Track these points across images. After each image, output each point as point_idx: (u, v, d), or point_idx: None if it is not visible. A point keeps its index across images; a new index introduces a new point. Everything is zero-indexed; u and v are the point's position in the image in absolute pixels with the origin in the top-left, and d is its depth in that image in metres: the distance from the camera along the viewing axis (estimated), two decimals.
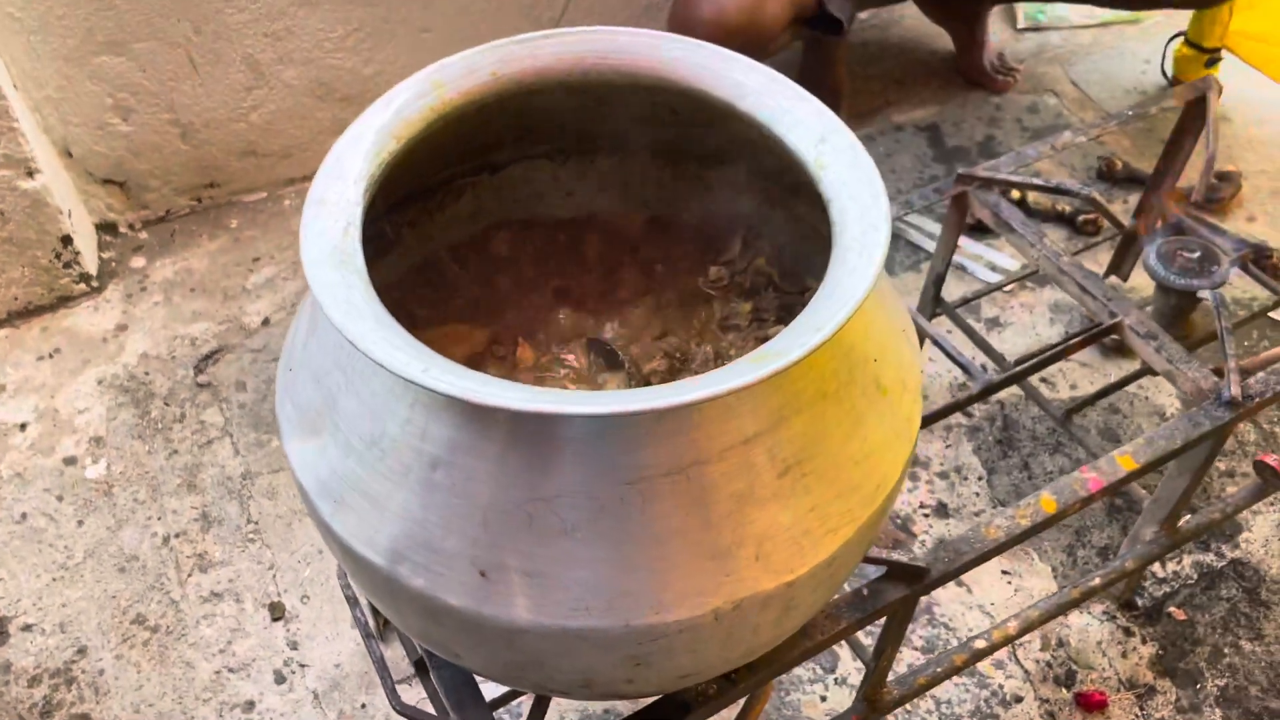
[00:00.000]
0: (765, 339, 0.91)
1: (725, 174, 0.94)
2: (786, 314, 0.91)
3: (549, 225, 0.97)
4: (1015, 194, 1.77)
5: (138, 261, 1.69)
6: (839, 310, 0.62)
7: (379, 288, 0.90)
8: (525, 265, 0.95)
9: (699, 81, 0.79)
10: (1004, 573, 1.33)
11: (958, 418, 1.50)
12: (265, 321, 1.61)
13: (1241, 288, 1.66)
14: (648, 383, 0.87)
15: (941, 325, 1.57)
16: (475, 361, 0.89)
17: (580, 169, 0.96)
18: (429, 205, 0.92)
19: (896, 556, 0.89)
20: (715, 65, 0.79)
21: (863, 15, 2.16)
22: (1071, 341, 1.11)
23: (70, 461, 1.44)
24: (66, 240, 1.56)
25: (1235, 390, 1.02)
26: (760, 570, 0.66)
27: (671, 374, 0.87)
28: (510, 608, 0.63)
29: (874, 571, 0.91)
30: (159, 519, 1.38)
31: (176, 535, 1.36)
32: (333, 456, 0.69)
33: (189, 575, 1.32)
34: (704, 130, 0.86)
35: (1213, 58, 1.95)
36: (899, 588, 0.90)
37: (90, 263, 1.64)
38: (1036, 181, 1.24)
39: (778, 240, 0.94)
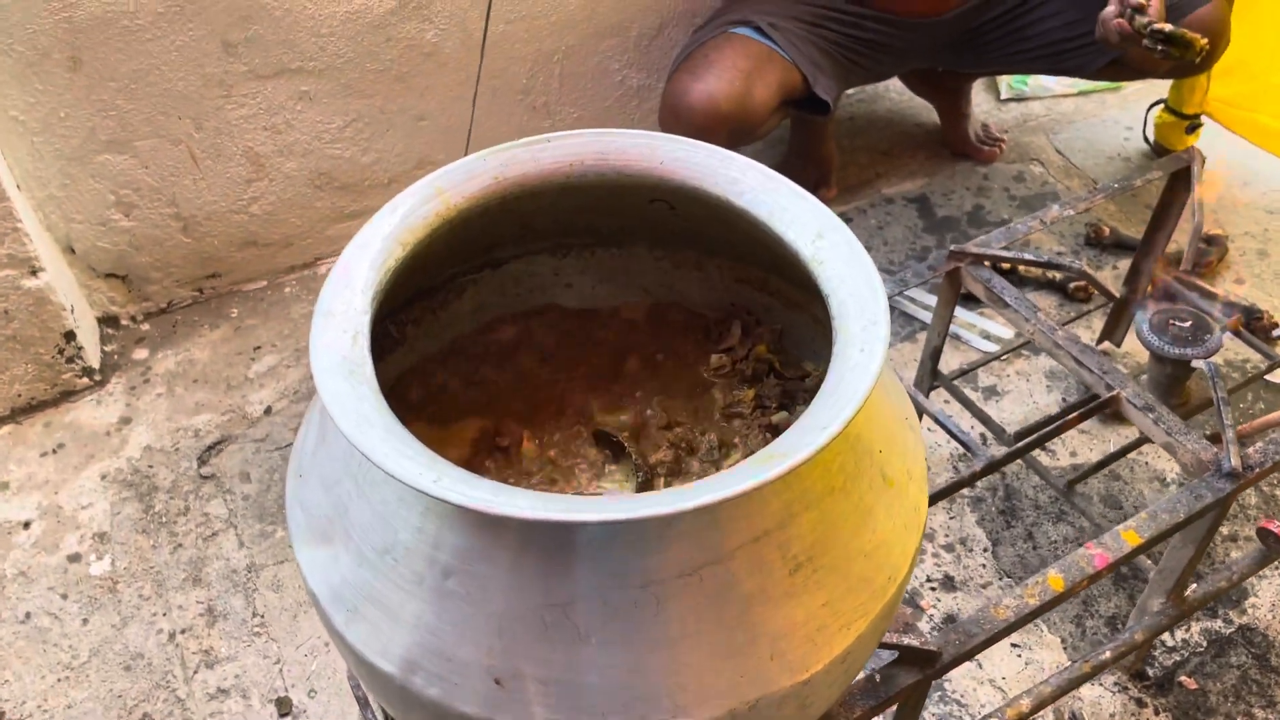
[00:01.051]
0: (769, 426, 0.92)
1: (724, 264, 0.95)
2: (788, 400, 0.92)
3: (551, 317, 0.99)
4: (1006, 263, 1.80)
5: (140, 353, 1.70)
6: (844, 407, 0.63)
7: (385, 384, 0.91)
8: (527, 357, 0.96)
9: (696, 180, 0.81)
10: (1014, 646, 1.32)
11: (966, 487, 1.50)
12: (268, 410, 1.61)
13: (1234, 349, 1.68)
14: (654, 473, 0.87)
15: (939, 397, 1.58)
16: (479, 455, 0.89)
17: (580, 262, 0.98)
18: (432, 303, 0.93)
19: (908, 641, 0.89)
20: (712, 164, 0.81)
21: (849, 91, 2.20)
22: (1070, 417, 1.12)
23: (74, 559, 1.43)
24: (69, 335, 1.57)
25: (1235, 461, 1.03)
26: (776, 669, 0.66)
27: (678, 464, 0.88)
28: (527, 716, 0.63)
29: (886, 655, 0.91)
30: (164, 615, 1.37)
31: (182, 631, 1.35)
32: (345, 565, 0.69)
33: (195, 672, 1.31)
34: (701, 224, 0.87)
35: (1193, 124, 1.99)
36: (911, 673, 0.90)
37: (93, 356, 1.65)
38: (1029, 256, 1.26)
39: (777, 327, 0.95)
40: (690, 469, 0.88)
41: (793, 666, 0.66)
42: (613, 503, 0.59)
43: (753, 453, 0.88)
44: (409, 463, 0.61)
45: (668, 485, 0.87)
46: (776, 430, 0.90)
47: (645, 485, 0.86)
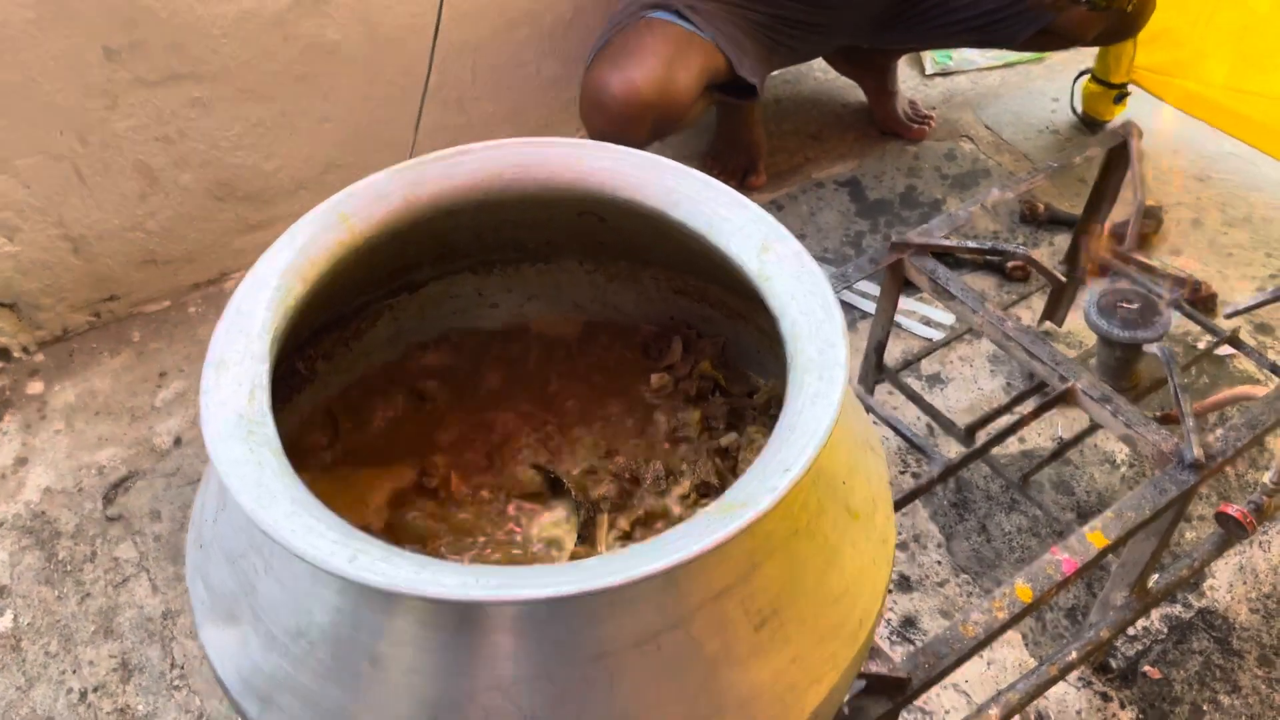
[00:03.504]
0: (719, 449, 0.86)
1: (660, 275, 0.89)
2: (737, 419, 0.86)
3: (476, 340, 0.91)
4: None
5: (35, 387, 1.58)
6: (808, 445, 0.57)
7: (294, 428, 0.83)
8: (452, 386, 0.89)
9: (628, 191, 0.74)
10: None
11: (909, 481, 1.45)
12: (178, 441, 1.51)
13: (1177, 323, 1.65)
14: (597, 509, 0.80)
15: (883, 389, 1.53)
16: (404, 499, 0.81)
17: (506, 279, 0.90)
18: (344, 334, 0.85)
19: (876, 669, 0.83)
20: (644, 173, 0.74)
21: (773, 74, 2.14)
22: (1026, 414, 1.08)
23: None
24: None
25: (1198, 452, 0.99)
26: None
27: (622, 498, 0.81)
28: None
29: (856, 685, 0.86)
30: (74, 672, 1.27)
31: (95, 689, 1.25)
32: (254, 649, 0.61)
33: None
34: (635, 235, 0.81)
35: (1121, 93, 1.97)
36: (881, 702, 0.85)
37: None
38: (972, 244, 1.21)
39: (719, 340, 0.89)
40: (637, 502, 0.81)
41: None
42: (556, 574, 0.52)
43: (702, 479, 0.83)
44: (320, 540, 0.53)
45: (612, 522, 0.80)
46: (726, 453, 0.84)
47: (588, 524, 0.79)
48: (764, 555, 0.60)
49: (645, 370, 0.88)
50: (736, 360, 0.89)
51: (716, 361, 0.88)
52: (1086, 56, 2.01)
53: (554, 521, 0.81)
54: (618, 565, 0.52)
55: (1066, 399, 1.09)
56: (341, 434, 0.84)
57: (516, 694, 0.56)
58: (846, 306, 1.71)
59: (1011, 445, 1.50)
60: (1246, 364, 1.60)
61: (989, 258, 1.74)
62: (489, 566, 0.55)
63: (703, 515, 0.55)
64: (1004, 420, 1.16)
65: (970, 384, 1.59)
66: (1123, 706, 1.23)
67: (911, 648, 1.08)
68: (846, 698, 0.85)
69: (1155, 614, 1.32)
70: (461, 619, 0.56)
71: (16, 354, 1.62)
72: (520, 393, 0.88)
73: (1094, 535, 0.95)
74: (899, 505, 1.03)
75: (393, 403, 0.87)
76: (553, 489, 0.82)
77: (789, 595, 0.61)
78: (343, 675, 0.58)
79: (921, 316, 1.69)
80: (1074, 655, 1.11)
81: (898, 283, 1.25)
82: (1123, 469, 1.47)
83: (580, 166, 0.75)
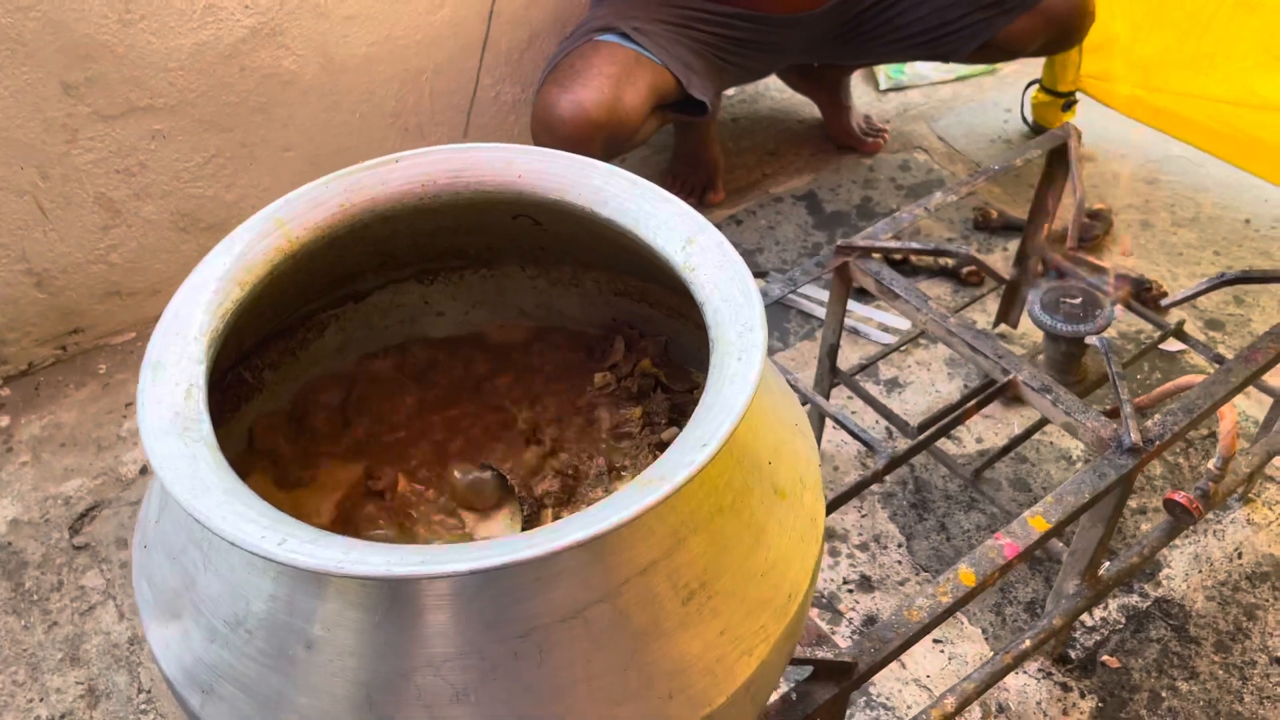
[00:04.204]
0: (659, 443, 0.87)
1: (600, 277, 0.91)
2: (679, 414, 0.88)
3: (424, 348, 0.93)
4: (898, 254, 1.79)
5: (1, 421, 1.59)
6: (724, 421, 0.59)
7: (242, 435, 0.85)
8: (400, 393, 0.90)
9: (557, 192, 0.77)
10: (936, 642, 1.30)
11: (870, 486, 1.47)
12: (143, 470, 1.52)
13: (1127, 322, 1.69)
14: (541, 505, 0.82)
15: (842, 393, 1.56)
16: (353, 501, 0.83)
17: (450, 287, 0.92)
18: (291, 344, 0.87)
19: (821, 654, 0.85)
20: (572, 174, 0.77)
21: (729, 93, 2.18)
22: (967, 406, 1.10)
23: None
24: None
25: (1135, 436, 1.02)
26: (676, 708, 0.61)
27: (565, 493, 0.83)
28: None
29: (801, 670, 0.87)
30: (41, 700, 1.27)
31: (61, 717, 1.25)
32: (196, 641, 0.62)
33: None
34: (570, 237, 0.83)
35: (1068, 101, 2.01)
36: (828, 687, 0.87)
37: None
38: (915, 245, 1.24)
39: (660, 339, 0.91)
40: (580, 496, 0.83)
41: (694, 702, 0.61)
42: (478, 550, 0.53)
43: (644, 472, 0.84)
44: (251, 526, 0.55)
45: (556, 516, 0.82)
46: (666, 447, 0.86)
47: (532, 518, 0.81)
48: (689, 530, 0.62)
49: (589, 371, 0.90)
50: (679, 358, 0.91)
51: (658, 359, 0.90)
52: (1036, 67, 2.05)
53: (499, 518, 0.82)
54: (538, 539, 0.54)
55: (1008, 390, 1.11)
56: (290, 441, 0.86)
57: (448, 671, 0.57)
58: (805, 317, 1.74)
59: (969, 445, 1.52)
60: (1199, 360, 1.63)
61: (935, 259, 1.77)
62: (414, 545, 0.56)
63: (622, 490, 0.57)
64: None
65: (928, 388, 1.61)
66: (1083, 696, 1.25)
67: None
68: (792, 684, 0.87)
69: (1113, 604, 1.34)
70: (392, 599, 0.57)
71: None
72: (466, 396, 0.90)
73: (1035, 520, 0.98)
74: (847, 497, 1.06)
75: (342, 411, 0.89)
76: (499, 486, 0.83)
77: (715, 570, 0.63)
78: (280, 661, 0.59)
79: (879, 324, 1.71)
80: (1028, 644, 1.12)
81: (845, 286, 1.27)
82: (1079, 465, 1.50)
83: (511, 169, 0.77)
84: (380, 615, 0.58)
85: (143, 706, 1.26)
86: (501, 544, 0.54)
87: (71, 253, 1.59)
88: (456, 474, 0.84)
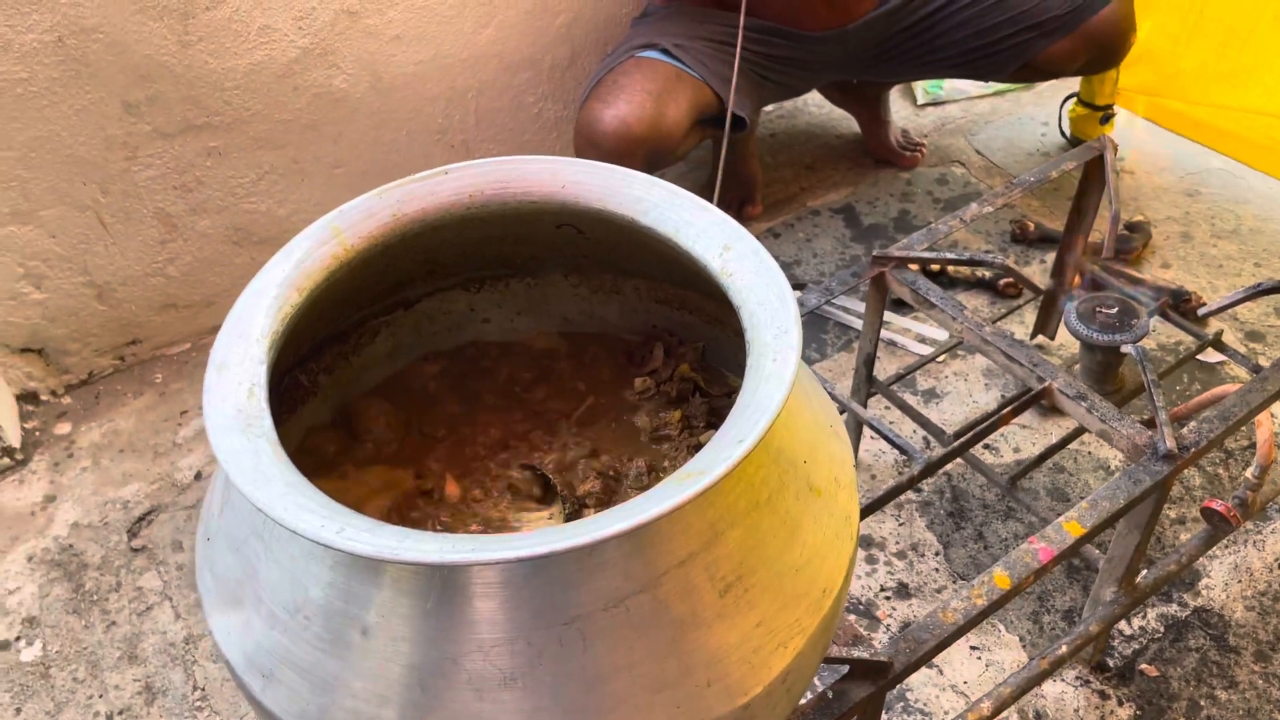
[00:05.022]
0: (698, 446, 0.90)
1: (641, 285, 0.94)
2: (716, 418, 0.90)
3: (470, 353, 0.96)
4: (935, 266, 1.80)
5: (63, 428, 1.65)
6: (760, 419, 0.61)
7: (298, 436, 0.88)
8: (448, 397, 0.94)
9: (600, 201, 0.79)
10: (973, 649, 1.31)
11: (908, 495, 1.49)
12: (198, 475, 1.57)
13: (1167, 334, 1.69)
14: (583, 505, 0.85)
15: (879, 403, 1.57)
16: (404, 502, 0.86)
17: (496, 295, 0.96)
18: (344, 349, 0.90)
19: (857, 654, 0.87)
20: (614, 184, 0.80)
21: (769, 108, 2.21)
22: (1003, 412, 1.11)
23: (4, 646, 1.37)
24: None
25: (1170, 443, 1.03)
26: (713, 696, 0.63)
27: (606, 493, 0.86)
28: None
29: (838, 669, 0.89)
30: (100, 696, 1.32)
31: (120, 712, 1.30)
32: (257, 628, 0.66)
33: None
34: (612, 246, 0.86)
35: (1106, 114, 2.02)
36: (864, 685, 0.88)
37: (13, 436, 1.59)
38: (950, 255, 1.26)
39: (699, 345, 0.93)
40: (621, 497, 0.86)
41: (731, 691, 0.64)
42: (525, 539, 0.56)
43: None
44: (311, 516, 0.58)
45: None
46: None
47: (574, 517, 0.83)
48: (726, 525, 0.65)
49: (629, 376, 0.93)
50: (716, 363, 0.94)
51: (696, 365, 0.93)
52: (1073, 82, 2.06)
53: (543, 517, 0.85)
54: (583, 529, 0.56)
55: (1044, 398, 1.13)
56: (343, 443, 0.89)
57: (497, 656, 0.60)
58: (843, 329, 1.75)
59: (1007, 455, 1.53)
60: (1239, 371, 1.63)
61: (972, 271, 1.78)
62: (465, 535, 0.59)
63: (662, 485, 0.59)
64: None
65: (965, 398, 1.62)
66: (1120, 704, 1.25)
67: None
68: (829, 682, 0.89)
69: (1152, 613, 1.34)
70: (443, 587, 0.60)
71: (45, 397, 1.68)
72: (511, 401, 0.93)
73: (1070, 525, 0.99)
74: (883, 501, 1.07)
75: (393, 414, 0.92)
76: (542, 488, 0.86)
77: (752, 564, 0.65)
78: (337, 646, 0.62)
79: (917, 335, 1.73)
80: (1065, 650, 1.13)
81: (882, 296, 1.29)
82: (1117, 474, 1.50)
83: (555, 180, 0.80)
84: (432, 602, 0.61)
85: (197, 704, 1.30)
86: (547, 533, 0.57)
87: (130, 266, 1.65)
88: (502, 475, 0.87)
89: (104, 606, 1.41)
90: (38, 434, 1.64)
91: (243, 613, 0.67)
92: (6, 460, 1.58)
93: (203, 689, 1.31)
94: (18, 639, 1.38)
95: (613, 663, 0.61)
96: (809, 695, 0.87)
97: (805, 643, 0.67)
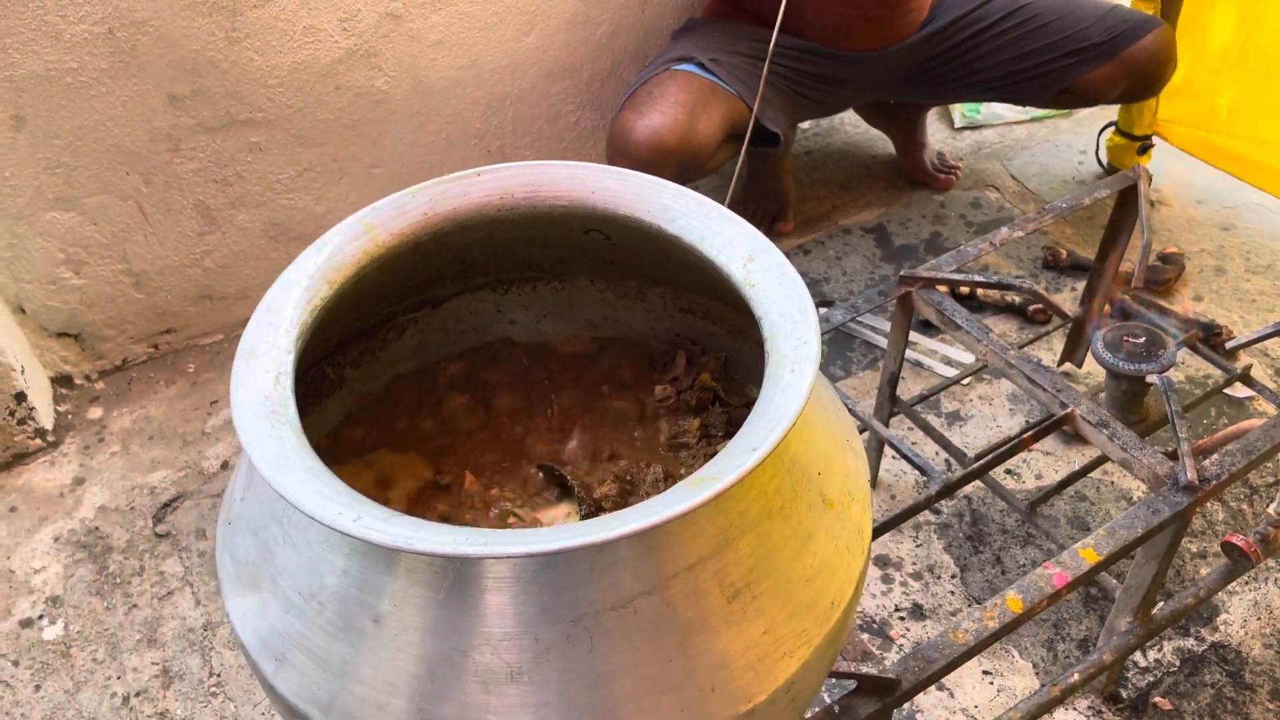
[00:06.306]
0: (714, 454, 0.91)
1: (666, 294, 0.94)
2: (734, 428, 0.91)
3: (494, 354, 0.97)
4: (964, 289, 1.80)
5: (94, 412, 1.68)
6: (775, 428, 0.62)
7: (323, 430, 0.90)
8: (472, 396, 0.95)
9: (628, 209, 0.80)
10: (985, 673, 1.30)
11: (926, 516, 1.49)
12: (224, 465, 1.59)
13: (1196, 366, 1.68)
14: (599, 507, 0.86)
15: (902, 423, 1.57)
16: (423, 496, 0.87)
17: (523, 297, 0.97)
18: (371, 344, 0.92)
19: (865, 669, 0.87)
20: (643, 192, 0.81)
21: (805, 126, 2.22)
22: (1024, 436, 1.11)
23: (27, 624, 1.40)
24: (20, 397, 1.55)
25: (1191, 475, 1.02)
26: (717, 701, 0.64)
27: (622, 497, 0.86)
28: None
29: (845, 685, 0.89)
30: (118, 678, 1.34)
31: (137, 694, 1.32)
32: (272, 612, 0.67)
33: None
34: (638, 253, 0.87)
35: (1144, 144, 2.01)
36: (870, 702, 0.88)
37: (46, 417, 1.62)
38: (978, 278, 1.26)
39: (720, 355, 0.94)
40: (636, 501, 0.86)
41: (734, 697, 0.64)
42: (539, 535, 0.57)
43: None
44: (329, 503, 0.59)
45: None
46: None
47: (589, 519, 0.84)
48: (737, 532, 0.65)
49: (650, 383, 0.94)
50: (737, 374, 0.94)
51: (717, 374, 0.93)
52: (1112, 110, 2.05)
53: (559, 518, 0.86)
54: (594, 528, 0.57)
55: (1067, 424, 1.12)
56: (365, 434, 0.90)
57: (505, 650, 0.61)
58: (869, 347, 1.76)
59: (1029, 481, 1.53)
60: (1267, 407, 1.62)
61: (1002, 295, 1.78)
62: (480, 529, 0.60)
63: (675, 488, 0.60)
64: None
65: (989, 422, 1.62)
66: None
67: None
68: (837, 697, 0.89)
69: (1168, 647, 1.33)
70: (455, 579, 0.61)
71: (79, 381, 1.72)
72: (532, 401, 0.94)
73: (1086, 551, 0.99)
74: (901, 519, 1.07)
75: (416, 411, 0.94)
76: (559, 488, 0.87)
77: (761, 571, 0.66)
78: (349, 633, 0.63)
79: (943, 357, 1.73)
80: (1077, 678, 1.13)
81: (908, 316, 1.29)
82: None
83: (585, 186, 0.81)
84: (444, 594, 0.62)
85: (213, 689, 1.32)
86: (560, 531, 0.58)
87: (169, 256, 1.67)
88: (520, 474, 0.88)
89: (126, 590, 1.43)
90: (70, 417, 1.67)
91: (259, 596, 0.69)
92: (39, 441, 1.61)
93: (219, 675, 1.33)
94: (41, 617, 1.41)
95: (618, 662, 0.62)
96: (815, 709, 0.88)
97: (811, 653, 0.68)
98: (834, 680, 0.84)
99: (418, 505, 0.86)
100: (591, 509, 0.85)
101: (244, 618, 0.69)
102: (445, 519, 0.85)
